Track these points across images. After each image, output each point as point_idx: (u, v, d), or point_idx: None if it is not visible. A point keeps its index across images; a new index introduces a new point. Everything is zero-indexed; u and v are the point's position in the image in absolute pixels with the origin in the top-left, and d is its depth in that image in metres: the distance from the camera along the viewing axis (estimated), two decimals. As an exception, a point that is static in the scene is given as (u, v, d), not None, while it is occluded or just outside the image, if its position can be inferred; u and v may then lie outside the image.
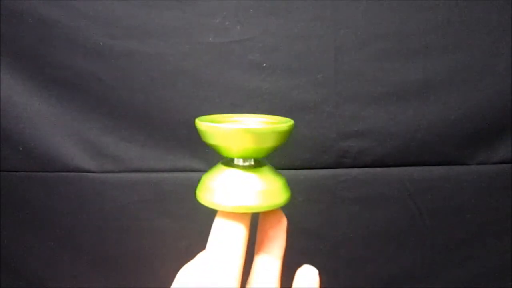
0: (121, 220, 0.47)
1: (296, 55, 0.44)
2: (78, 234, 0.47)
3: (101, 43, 0.44)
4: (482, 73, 0.44)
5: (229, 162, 0.25)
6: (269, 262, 0.24)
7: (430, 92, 0.44)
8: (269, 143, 0.23)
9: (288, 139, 0.25)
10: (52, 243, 0.48)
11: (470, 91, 0.44)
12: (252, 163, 0.25)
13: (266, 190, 0.23)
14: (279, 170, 0.45)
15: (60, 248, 0.48)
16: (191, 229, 0.46)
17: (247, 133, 0.22)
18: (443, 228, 0.46)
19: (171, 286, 0.24)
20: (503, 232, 0.46)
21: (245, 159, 0.24)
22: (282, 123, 0.24)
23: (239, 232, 0.22)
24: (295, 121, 0.26)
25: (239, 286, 0.21)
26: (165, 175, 0.46)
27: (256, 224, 0.26)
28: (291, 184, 0.27)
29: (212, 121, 0.24)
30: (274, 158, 0.45)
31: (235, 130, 0.22)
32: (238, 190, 0.22)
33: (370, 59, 0.44)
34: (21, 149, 0.46)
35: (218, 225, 0.22)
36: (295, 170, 0.45)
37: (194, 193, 0.24)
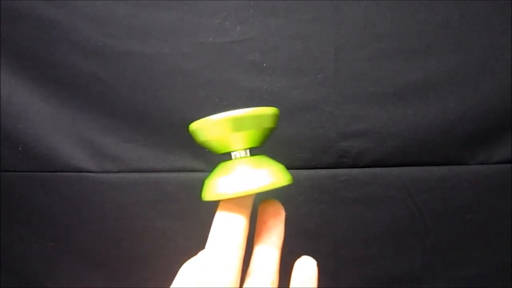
0: (121, 220, 0.47)
1: (296, 55, 0.44)
2: (78, 234, 0.47)
3: (101, 43, 0.44)
4: (482, 73, 0.44)
5: (226, 159, 0.26)
6: (268, 251, 0.24)
7: (430, 92, 0.44)
8: (255, 126, 0.24)
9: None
10: (52, 243, 0.48)
11: (470, 91, 0.44)
12: (248, 154, 0.25)
13: (267, 171, 0.23)
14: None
15: (60, 248, 0.48)
16: (191, 229, 0.46)
17: (230, 119, 0.23)
18: (443, 228, 0.46)
19: (174, 281, 0.24)
20: (503, 232, 0.46)
21: (240, 151, 0.25)
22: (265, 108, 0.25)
23: (240, 223, 0.22)
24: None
25: (239, 277, 0.21)
26: (165, 175, 0.46)
27: (255, 218, 0.26)
28: (291, 184, 0.27)
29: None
30: (274, 158, 0.45)
31: (220, 119, 0.23)
32: (239, 176, 0.23)
33: (370, 59, 0.44)
34: (21, 149, 0.46)
35: (219, 218, 0.23)
36: (295, 170, 0.45)
37: (199, 196, 0.25)
